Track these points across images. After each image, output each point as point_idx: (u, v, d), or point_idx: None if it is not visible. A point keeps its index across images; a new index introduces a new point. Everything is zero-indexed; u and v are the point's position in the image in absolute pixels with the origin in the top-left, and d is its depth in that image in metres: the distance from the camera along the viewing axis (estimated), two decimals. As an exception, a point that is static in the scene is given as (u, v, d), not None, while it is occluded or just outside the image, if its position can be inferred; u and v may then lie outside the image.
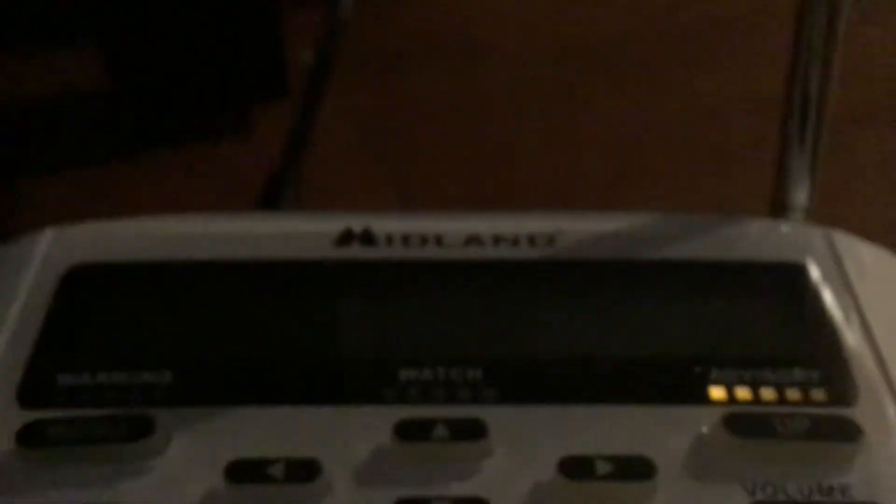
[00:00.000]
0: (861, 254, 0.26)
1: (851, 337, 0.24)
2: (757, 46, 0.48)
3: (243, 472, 0.21)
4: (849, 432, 0.22)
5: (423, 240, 0.26)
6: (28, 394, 0.23)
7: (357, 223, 0.26)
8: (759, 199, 0.30)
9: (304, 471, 0.21)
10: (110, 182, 0.41)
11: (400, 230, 0.26)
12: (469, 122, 0.45)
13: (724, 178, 0.42)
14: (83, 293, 0.25)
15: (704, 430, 0.22)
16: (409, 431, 0.21)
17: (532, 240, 0.26)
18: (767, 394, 0.23)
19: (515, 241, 0.26)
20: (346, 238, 0.26)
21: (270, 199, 0.33)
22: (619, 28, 0.50)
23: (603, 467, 0.21)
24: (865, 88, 0.44)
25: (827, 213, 0.29)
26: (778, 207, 0.29)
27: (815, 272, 0.25)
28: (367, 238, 0.26)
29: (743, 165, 0.41)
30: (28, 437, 0.21)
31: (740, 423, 0.22)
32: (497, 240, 0.26)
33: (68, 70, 0.46)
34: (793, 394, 0.23)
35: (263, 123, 0.44)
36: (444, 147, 0.44)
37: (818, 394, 0.23)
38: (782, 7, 0.29)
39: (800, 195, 0.28)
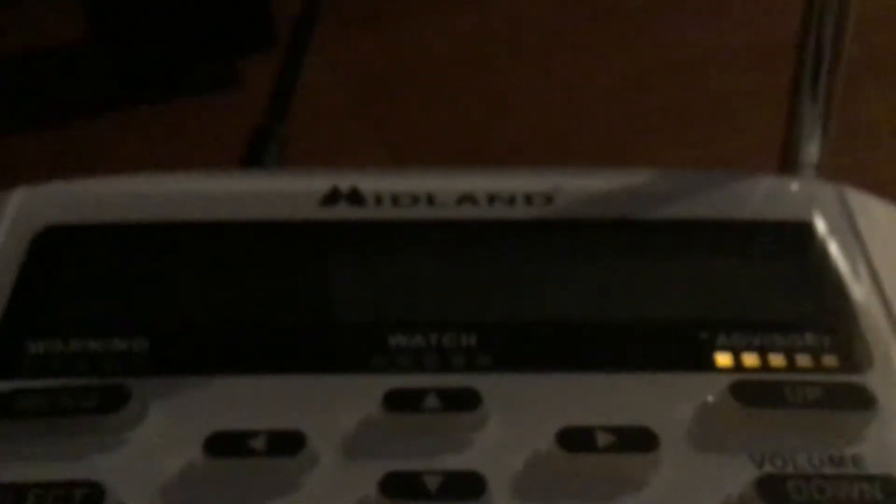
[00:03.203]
0: (875, 211, 0.25)
1: (865, 300, 0.23)
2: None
3: (223, 444, 0.20)
4: (862, 401, 0.21)
5: (414, 199, 0.25)
6: None
7: (344, 181, 0.26)
8: (764, 152, 0.29)
9: (288, 443, 0.20)
10: (91, 139, 0.40)
11: (389, 189, 0.25)
12: (464, 72, 0.44)
13: (728, 130, 0.41)
14: (55, 256, 0.24)
15: (710, 398, 0.21)
16: (398, 401, 0.21)
17: (529, 199, 0.25)
18: (776, 360, 0.22)
19: (511, 200, 0.25)
20: (332, 197, 0.25)
21: (254, 155, 0.33)
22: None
23: (603, 438, 0.20)
24: (878, 36, 0.43)
25: (838, 169, 0.28)
26: (788, 163, 0.28)
27: (826, 231, 0.25)
28: (355, 197, 0.25)
29: (747, 117, 0.41)
30: (-4, 408, 0.21)
31: (748, 391, 0.21)
32: (492, 199, 0.25)
33: (47, 23, 0.45)
34: (803, 360, 0.22)
35: (252, 76, 0.43)
36: (437, 99, 0.43)
37: (830, 360, 0.22)
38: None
39: (811, 150, 0.27)
